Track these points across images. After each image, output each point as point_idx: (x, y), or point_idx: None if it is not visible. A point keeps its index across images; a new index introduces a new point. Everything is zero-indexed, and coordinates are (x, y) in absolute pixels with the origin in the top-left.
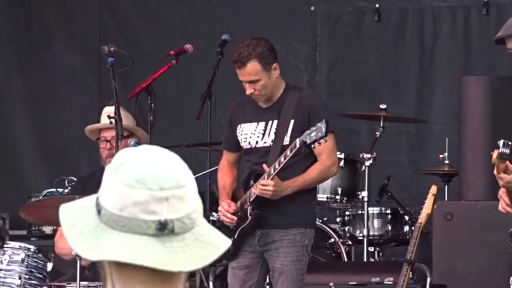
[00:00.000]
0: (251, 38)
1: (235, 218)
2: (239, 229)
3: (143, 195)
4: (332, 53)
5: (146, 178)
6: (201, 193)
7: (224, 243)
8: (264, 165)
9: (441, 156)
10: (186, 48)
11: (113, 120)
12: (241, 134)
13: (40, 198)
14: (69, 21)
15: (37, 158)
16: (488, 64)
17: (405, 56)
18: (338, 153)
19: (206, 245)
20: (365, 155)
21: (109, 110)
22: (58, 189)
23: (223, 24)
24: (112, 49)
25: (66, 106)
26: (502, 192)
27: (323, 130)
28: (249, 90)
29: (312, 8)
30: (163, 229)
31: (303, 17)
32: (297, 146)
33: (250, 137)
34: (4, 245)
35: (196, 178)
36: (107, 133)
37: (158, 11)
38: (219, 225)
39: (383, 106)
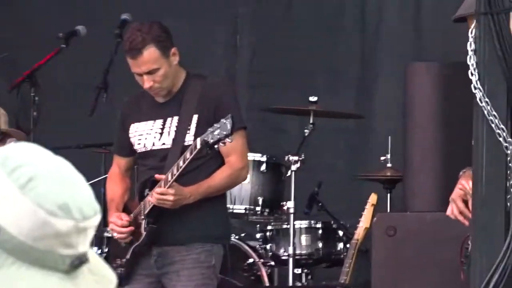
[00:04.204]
0: (140, 22)
1: (132, 228)
2: (132, 248)
3: (66, 226)
4: (255, 36)
5: (70, 205)
6: None
7: (112, 275)
8: (156, 175)
9: (382, 158)
10: (77, 29)
11: None
12: (135, 136)
13: None
14: None
15: None
16: (442, 49)
17: (344, 40)
18: (259, 155)
19: (100, 278)
20: (291, 158)
21: None
22: None
23: (123, 3)
24: None
25: None
26: (457, 196)
27: (228, 127)
28: (147, 84)
29: None
30: (80, 265)
31: None
32: (198, 147)
33: (146, 138)
34: None
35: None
36: None
37: None
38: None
39: (313, 99)
